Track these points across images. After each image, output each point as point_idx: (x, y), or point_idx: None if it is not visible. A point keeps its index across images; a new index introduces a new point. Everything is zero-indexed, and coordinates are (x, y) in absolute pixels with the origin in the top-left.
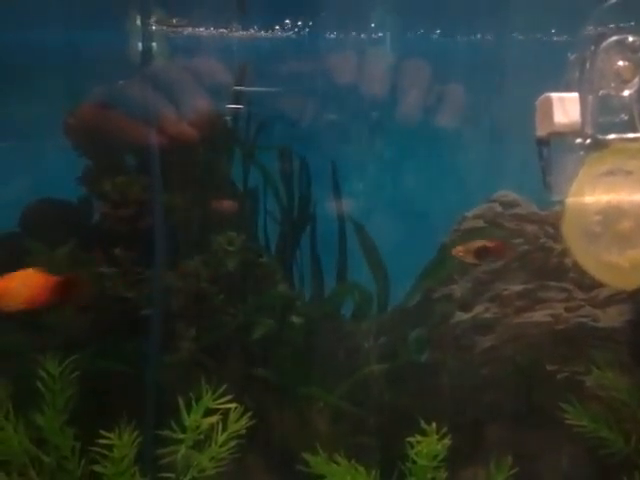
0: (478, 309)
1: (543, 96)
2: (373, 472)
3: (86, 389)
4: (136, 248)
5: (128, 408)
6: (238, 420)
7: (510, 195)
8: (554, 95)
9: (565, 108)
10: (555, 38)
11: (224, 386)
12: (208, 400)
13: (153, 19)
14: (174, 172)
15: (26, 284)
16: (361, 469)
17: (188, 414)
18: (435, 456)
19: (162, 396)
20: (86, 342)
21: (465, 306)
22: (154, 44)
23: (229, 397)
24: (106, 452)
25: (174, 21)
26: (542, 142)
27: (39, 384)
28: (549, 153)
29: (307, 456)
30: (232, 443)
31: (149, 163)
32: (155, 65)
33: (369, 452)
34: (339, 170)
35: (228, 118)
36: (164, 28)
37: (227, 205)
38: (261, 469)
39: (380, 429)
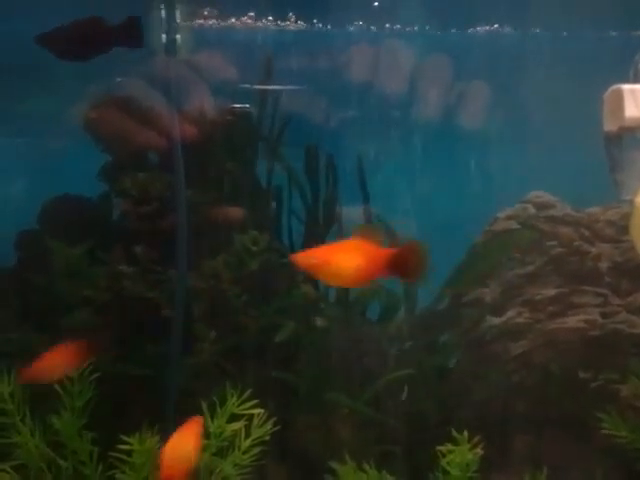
0: (510, 314)
1: (612, 88)
2: None
3: (104, 392)
4: (157, 247)
5: (147, 412)
6: (262, 426)
7: (544, 196)
8: (625, 87)
9: (637, 101)
10: (590, 35)
11: (248, 391)
12: (233, 405)
13: (178, 11)
14: (196, 170)
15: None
16: (391, 479)
17: (211, 419)
18: (467, 466)
19: (182, 400)
20: (105, 343)
21: (496, 310)
22: (178, 36)
23: (253, 402)
24: (126, 458)
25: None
26: (611, 138)
27: (57, 386)
28: (620, 149)
29: (335, 465)
30: (255, 450)
31: (171, 160)
32: (157, 62)
33: (395, 461)
34: (366, 169)
35: (252, 114)
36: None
37: (233, 213)
38: (282, 477)
39: (406, 437)
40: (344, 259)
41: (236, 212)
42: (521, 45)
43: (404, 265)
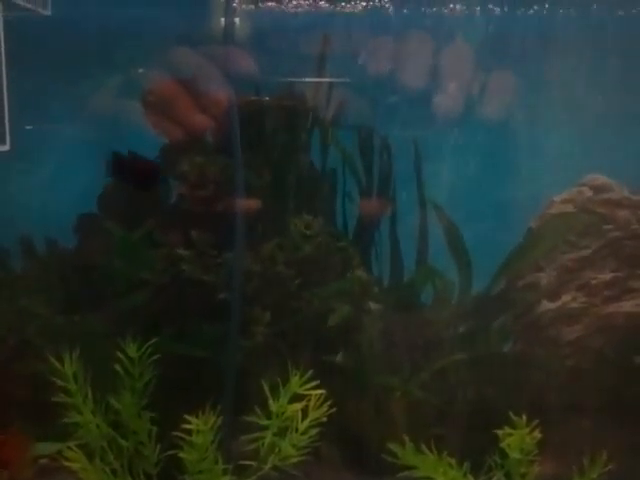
0: (565, 298)
1: None
2: (464, 465)
3: (162, 373)
4: (213, 230)
5: (204, 393)
6: (318, 408)
7: (601, 179)
8: None
9: None
10: None
11: (309, 372)
12: (296, 385)
13: None
14: (252, 152)
15: None
16: (452, 462)
17: (273, 400)
18: (525, 449)
19: (238, 381)
20: (163, 326)
21: (551, 295)
22: (237, 20)
23: (314, 384)
24: (187, 438)
25: None
26: None
27: (118, 367)
28: None
29: (394, 446)
30: (313, 431)
31: (229, 142)
32: (176, 51)
33: (449, 444)
34: (422, 151)
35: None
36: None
37: (247, 204)
38: (335, 459)
39: (460, 421)
40: None
41: (250, 204)
42: (577, 25)
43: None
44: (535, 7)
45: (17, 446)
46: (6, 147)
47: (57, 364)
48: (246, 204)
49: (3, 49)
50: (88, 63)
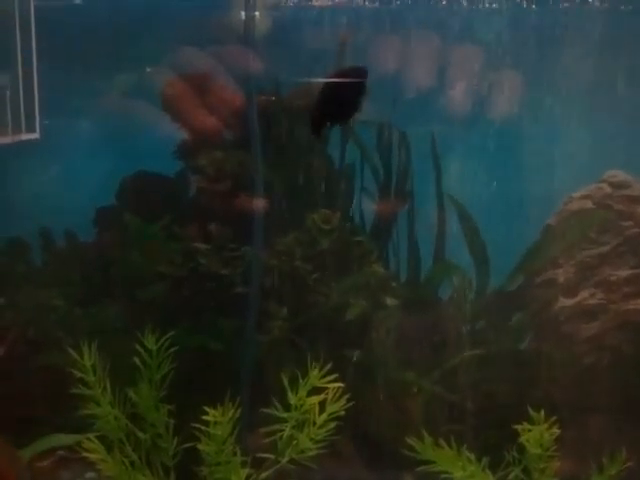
0: (583, 295)
1: None
2: (483, 460)
3: (180, 366)
4: (232, 224)
5: (222, 386)
6: (336, 402)
7: (620, 175)
8: None
9: None
10: None
11: (328, 365)
12: (315, 378)
13: None
14: (269, 147)
15: None
16: (471, 456)
17: (292, 392)
18: (544, 445)
19: (256, 375)
20: (181, 318)
21: (569, 291)
22: (257, 13)
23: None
24: (206, 430)
25: None
26: None
27: (136, 360)
28: None
29: (413, 441)
30: (330, 425)
31: (247, 137)
32: (183, 52)
33: (465, 440)
34: (440, 147)
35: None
36: None
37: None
38: (351, 453)
39: (476, 417)
40: None
41: (260, 203)
42: (600, 18)
43: None
44: (566, 4)
45: (8, 458)
46: (36, 135)
47: (76, 356)
48: (247, 202)
49: (34, 43)
50: (105, 55)
